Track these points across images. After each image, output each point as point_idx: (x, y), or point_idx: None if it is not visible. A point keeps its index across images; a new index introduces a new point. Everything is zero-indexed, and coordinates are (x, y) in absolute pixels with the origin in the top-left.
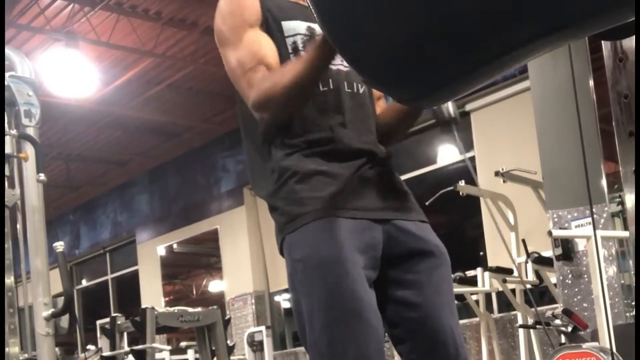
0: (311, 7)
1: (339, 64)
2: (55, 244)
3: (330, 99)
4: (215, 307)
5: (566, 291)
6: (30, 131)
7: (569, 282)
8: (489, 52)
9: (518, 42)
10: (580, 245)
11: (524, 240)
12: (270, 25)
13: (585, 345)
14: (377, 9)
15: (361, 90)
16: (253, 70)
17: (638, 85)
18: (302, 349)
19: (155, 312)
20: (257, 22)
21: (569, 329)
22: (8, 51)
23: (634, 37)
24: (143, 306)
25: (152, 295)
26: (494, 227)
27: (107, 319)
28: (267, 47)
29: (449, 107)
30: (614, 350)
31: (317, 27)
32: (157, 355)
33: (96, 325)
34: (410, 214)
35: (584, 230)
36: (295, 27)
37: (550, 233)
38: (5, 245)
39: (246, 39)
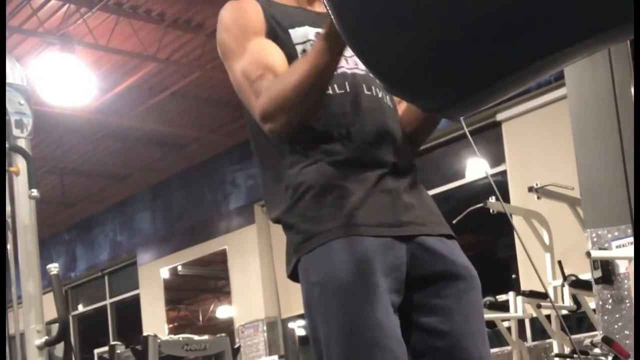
0: (328, 8)
1: (354, 67)
2: (49, 266)
3: (346, 104)
4: (223, 334)
5: (606, 317)
6: (22, 143)
7: (609, 307)
8: (522, 57)
9: (553, 46)
10: (622, 267)
11: (559, 262)
12: (278, 33)
13: None
14: (400, 12)
15: (380, 94)
16: (260, 79)
17: (637, 88)
18: None
19: (158, 340)
20: (261, 30)
21: (610, 358)
22: None
23: None
24: (145, 334)
25: (155, 321)
26: (527, 247)
27: (106, 348)
28: (273, 54)
29: None
30: None
31: None
32: None
33: (94, 354)
34: (437, 228)
35: (625, 251)
36: (305, 34)
37: (588, 254)
38: None
39: (251, 48)
